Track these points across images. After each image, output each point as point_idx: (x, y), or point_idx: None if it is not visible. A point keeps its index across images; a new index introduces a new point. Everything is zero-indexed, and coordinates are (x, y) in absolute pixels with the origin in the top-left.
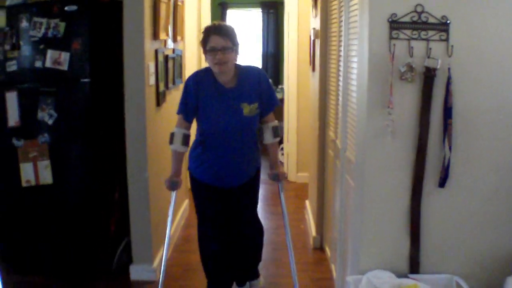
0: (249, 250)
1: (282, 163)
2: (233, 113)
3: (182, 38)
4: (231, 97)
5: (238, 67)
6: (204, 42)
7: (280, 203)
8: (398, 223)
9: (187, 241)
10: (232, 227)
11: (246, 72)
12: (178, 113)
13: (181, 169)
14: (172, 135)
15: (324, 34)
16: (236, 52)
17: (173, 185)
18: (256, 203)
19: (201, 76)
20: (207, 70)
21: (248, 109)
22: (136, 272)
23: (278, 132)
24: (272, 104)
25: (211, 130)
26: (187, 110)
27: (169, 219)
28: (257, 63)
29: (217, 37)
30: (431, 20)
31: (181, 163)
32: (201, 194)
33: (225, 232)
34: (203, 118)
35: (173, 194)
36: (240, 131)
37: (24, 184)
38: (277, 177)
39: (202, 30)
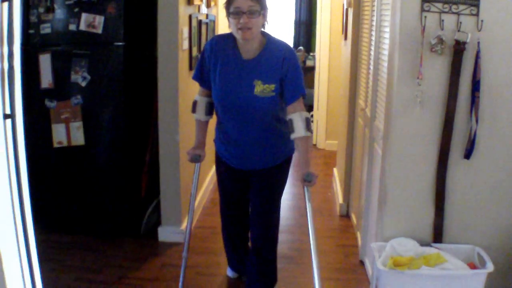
0: (256, 264)
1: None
2: (243, 88)
3: (216, 4)
4: (246, 70)
5: (266, 37)
6: (228, 3)
7: (306, 215)
8: (423, 193)
9: (215, 204)
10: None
11: (272, 45)
12: (194, 78)
13: (204, 140)
14: (195, 103)
15: (357, 3)
16: (264, 18)
17: (195, 158)
18: (275, 198)
19: (220, 41)
20: (229, 36)
21: (260, 88)
22: (164, 234)
23: (309, 125)
24: (294, 94)
25: (220, 104)
26: (202, 77)
27: (192, 191)
28: (289, 30)
29: None
30: None
31: (205, 133)
32: (219, 169)
33: (243, 214)
34: (214, 88)
35: (197, 166)
36: (249, 111)
37: (55, 145)
38: (305, 179)
39: None
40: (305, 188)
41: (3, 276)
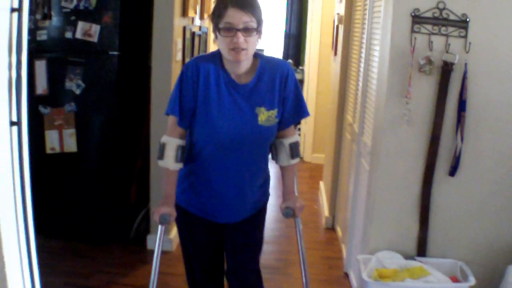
0: None
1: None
2: (244, 119)
3: (209, 16)
4: (244, 97)
5: (259, 56)
6: (217, 17)
7: (297, 243)
8: (409, 208)
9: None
10: (226, 272)
11: (269, 65)
12: (169, 113)
13: (174, 194)
14: (162, 147)
15: (348, 20)
16: (260, 34)
17: (164, 218)
18: (260, 246)
19: (204, 63)
20: (213, 56)
21: (265, 116)
22: (153, 242)
23: (297, 151)
24: (299, 115)
25: (209, 141)
26: (182, 110)
27: (154, 260)
28: (279, 42)
29: (238, 10)
30: (452, 17)
31: (174, 185)
32: (186, 227)
33: (217, 277)
34: (200, 123)
35: (161, 229)
36: (250, 145)
37: (48, 151)
38: (293, 213)
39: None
40: (296, 220)
41: (5, 279)
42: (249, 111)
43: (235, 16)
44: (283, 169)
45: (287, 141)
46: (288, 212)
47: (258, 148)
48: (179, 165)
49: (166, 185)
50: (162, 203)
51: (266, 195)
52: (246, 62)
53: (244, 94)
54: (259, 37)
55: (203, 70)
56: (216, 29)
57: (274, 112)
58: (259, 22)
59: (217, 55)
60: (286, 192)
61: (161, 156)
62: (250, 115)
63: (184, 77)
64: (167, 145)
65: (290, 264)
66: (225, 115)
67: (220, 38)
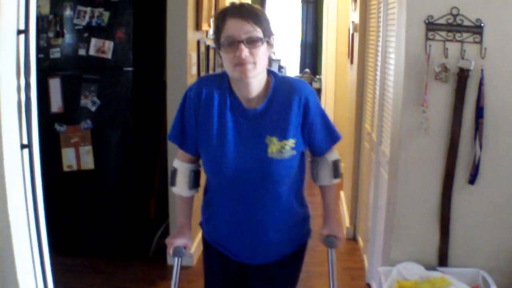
0: None
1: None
2: (251, 150)
3: None
4: (253, 124)
5: (273, 76)
6: (217, 32)
7: (329, 277)
8: (429, 217)
9: None
10: None
11: (283, 87)
12: (170, 139)
13: (190, 223)
14: (174, 172)
15: (363, 28)
16: (270, 47)
17: (178, 251)
18: None
19: (209, 85)
20: (221, 77)
21: (276, 147)
22: (173, 258)
23: (339, 170)
24: (329, 143)
25: (215, 175)
26: (183, 137)
27: None
28: (295, 52)
29: (238, 20)
30: (466, 22)
31: (189, 213)
32: (210, 263)
33: None
34: (203, 152)
35: (177, 261)
36: (261, 181)
37: (65, 169)
38: (331, 242)
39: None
40: (331, 251)
41: None
42: (256, 141)
43: (235, 27)
44: (324, 189)
45: (330, 158)
46: (331, 242)
47: (274, 185)
48: (194, 191)
49: (180, 213)
50: (176, 234)
51: (304, 234)
52: (257, 82)
53: (252, 120)
54: (270, 50)
55: (205, 93)
56: (218, 46)
57: (288, 143)
58: (266, 32)
59: (225, 76)
60: (327, 216)
61: (173, 182)
62: (258, 145)
63: (187, 99)
64: (179, 171)
65: (313, 276)
66: (227, 145)
67: (223, 55)
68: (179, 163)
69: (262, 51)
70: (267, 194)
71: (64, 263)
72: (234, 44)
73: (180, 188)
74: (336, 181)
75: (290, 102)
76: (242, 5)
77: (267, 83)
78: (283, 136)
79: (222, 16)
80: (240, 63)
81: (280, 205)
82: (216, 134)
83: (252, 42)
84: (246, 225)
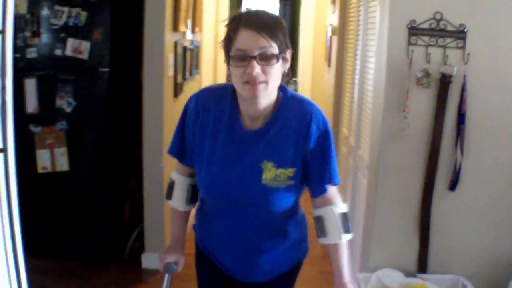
0: None
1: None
2: (243, 174)
3: (200, 30)
4: (249, 146)
5: (282, 92)
6: (228, 41)
7: None
8: (408, 224)
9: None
10: None
11: (290, 105)
12: (170, 152)
13: (184, 238)
14: (171, 186)
15: (341, 31)
16: (286, 62)
17: (169, 267)
18: None
19: (208, 98)
20: (224, 89)
21: (271, 174)
22: (148, 260)
23: (348, 225)
24: (322, 184)
25: (207, 194)
26: (183, 149)
27: None
28: None
29: (252, 32)
30: (449, 27)
31: (184, 228)
32: (200, 268)
33: None
34: (199, 170)
35: (167, 276)
36: (253, 206)
37: (40, 171)
38: None
39: (226, 20)
40: None
41: None
42: (251, 165)
43: (248, 40)
44: (332, 248)
45: (337, 209)
46: None
47: (264, 212)
48: (191, 206)
49: (174, 227)
50: (168, 249)
51: (298, 256)
52: (266, 101)
53: (249, 142)
54: (285, 65)
55: (202, 106)
56: (227, 57)
57: (285, 172)
58: (282, 48)
59: (230, 88)
60: (338, 277)
61: (169, 196)
62: (252, 170)
63: (188, 110)
64: (176, 184)
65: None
66: (222, 167)
67: (232, 69)
68: (178, 176)
69: (276, 68)
70: (260, 218)
71: (38, 266)
72: (245, 59)
73: (176, 202)
74: (348, 236)
75: (296, 125)
76: (257, 14)
77: (276, 100)
78: (280, 164)
79: (234, 25)
80: (251, 82)
81: (274, 229)
82: (207, 153)
83: (265, 59)
84: (239, 245)
